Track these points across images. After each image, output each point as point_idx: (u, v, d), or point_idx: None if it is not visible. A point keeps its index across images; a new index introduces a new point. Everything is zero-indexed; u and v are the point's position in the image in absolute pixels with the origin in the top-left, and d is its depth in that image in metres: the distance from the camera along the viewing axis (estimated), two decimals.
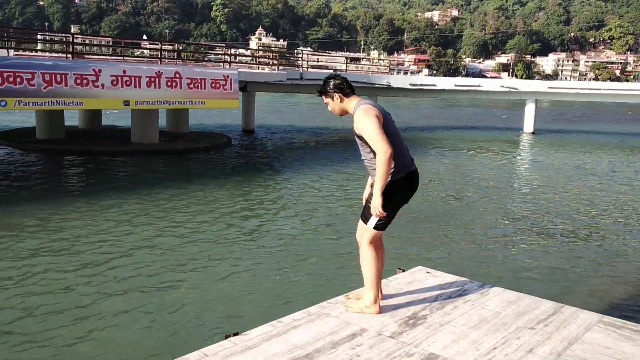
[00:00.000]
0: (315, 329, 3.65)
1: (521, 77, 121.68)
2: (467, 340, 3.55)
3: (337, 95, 3.78)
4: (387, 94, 30.63)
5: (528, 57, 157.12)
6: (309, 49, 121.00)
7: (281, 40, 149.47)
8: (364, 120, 3.58)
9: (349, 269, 7.86)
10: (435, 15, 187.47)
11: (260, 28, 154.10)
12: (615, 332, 3.72)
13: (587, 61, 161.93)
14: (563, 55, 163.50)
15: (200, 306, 6.51)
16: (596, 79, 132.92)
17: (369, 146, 3.64)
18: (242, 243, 9.07)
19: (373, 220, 3.75)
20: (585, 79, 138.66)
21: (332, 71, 38.25)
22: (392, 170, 3.63)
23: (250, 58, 32.40)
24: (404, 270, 4.90)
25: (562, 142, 27.22)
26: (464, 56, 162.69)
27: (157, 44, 24.68)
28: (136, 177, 14.35)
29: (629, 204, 13.21)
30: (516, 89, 30.03)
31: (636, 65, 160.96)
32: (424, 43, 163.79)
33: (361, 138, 3.67)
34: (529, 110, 29.63)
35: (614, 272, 8.04)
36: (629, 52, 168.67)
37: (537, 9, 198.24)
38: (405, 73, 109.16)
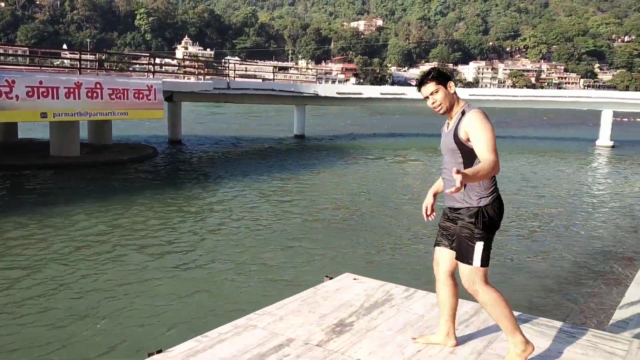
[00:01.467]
0: (242, 341, 3.60)
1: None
2: (393, 344, 3.60)
3: (451, 84, 3.25)
4: (315, 103, 30.89)
5: (450, 65, 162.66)
6: (236, 58, 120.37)
7: (208, 49, 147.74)
8: (485, 124, 3.10)
9: (274, 280, 7.83)
10: (360, 25, 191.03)
11: (186, 37, 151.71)
12: (531, 329, 3.88)
13: (505, 69, 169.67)
14: (483, 63, 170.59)
15: (121, 324, 6.28)
16: (514, 86, 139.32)
17: (463, 156, 3.18)
18: (165, 257, 8.84)
19: (478, 256, 3.16)
20: (504, 86, 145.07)
21: (260, 81, 38.17)
22: (485, 193, 3.18)
23: (177, 67, 31.78)
24: (331, 278, 4.92)
25: None
26: (390, 65, 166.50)
27: (77, 54, 23.72)
28: (53, 192, 13.73)
29: (537, 205, 13.87)
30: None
31: (550, 73, 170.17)
32: (351, 52, 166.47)
33: (461, 144, 3.17)
34: None
35: (531, 270, 8.41)
36: (542, 61, 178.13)
37: (457, 19, 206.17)
38: (333, 82, 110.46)
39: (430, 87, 3.26)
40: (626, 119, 47.21)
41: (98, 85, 17.39)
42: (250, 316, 4.03)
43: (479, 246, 3.15)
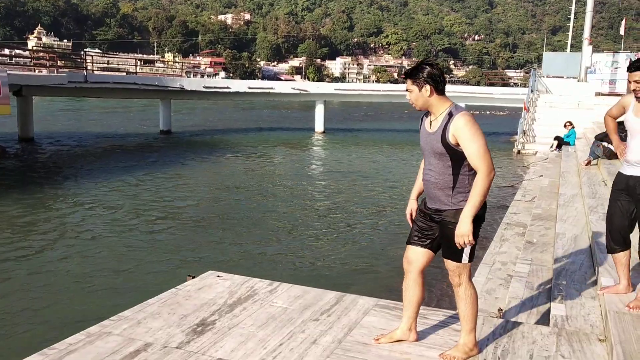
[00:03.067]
0: (95, 350, 3.39)
1: (313, 80, 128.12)
2: (255, 340, 3.58)
3: (427, 87, 3.14)
4: (181, 97, 30.06)
5: (318, 60, 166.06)
6: (97, 50, 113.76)
7: (65, 40, 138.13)
8: (475, 130, 3.04)
9: (135, 283, 7.51)
10: (228, 18, 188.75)
11: (39, 27, 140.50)
12: (389, 314, 4.05)
13: (370, 65, 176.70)
14: (349, 59, 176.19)
15: None
16: (378, 81, 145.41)
17: (452, 159, 3.14)
18: (7, 264, 8.12)
19: (466, 254, 3.18)
20: (368, 81, 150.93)
21: (124, 74, 36.39)
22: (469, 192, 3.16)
23: (29, 59, 29.38)
24: (194, 277, 4.79)
25: (348, 139, 29.22)
26: (259, 59, 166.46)
27: None
28: None
29: (400, 197, 14.62)
30: (306, 91, 31.52)
31: None
32: (219, 46, 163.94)
33: (449, 147, 3.11)
34: (319, 111, 31.31)
35: (385, 254, 8.81)
36: (404, 57, 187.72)
37: (324, 15, 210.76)
38: (202, 76, 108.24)
39: (407, 83, 3.23)
40: (477, 112, 51.05)
41: None
42: (105, 323, 3.81)
43: (469, 246, 3.17)
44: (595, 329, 4.01)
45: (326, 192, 14.61)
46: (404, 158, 22.38)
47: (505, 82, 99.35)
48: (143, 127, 31.40)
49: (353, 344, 3.55)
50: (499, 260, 6.44)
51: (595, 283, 4.87)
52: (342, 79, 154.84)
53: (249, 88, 30.68)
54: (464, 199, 3.14)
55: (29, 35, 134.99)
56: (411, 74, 3.19)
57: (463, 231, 3.06)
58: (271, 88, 31.29)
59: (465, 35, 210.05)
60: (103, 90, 25.29)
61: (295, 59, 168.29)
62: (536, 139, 21.51)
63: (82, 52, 33.49)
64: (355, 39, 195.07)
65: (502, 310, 4.81)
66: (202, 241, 9.57)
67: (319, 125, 31.29)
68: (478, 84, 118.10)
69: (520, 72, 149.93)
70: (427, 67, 3.15)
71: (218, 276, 4.80)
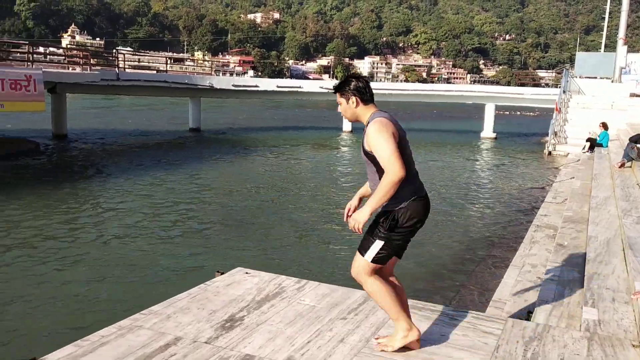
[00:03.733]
0: (126, 343, 3.45)
1: (341, 79, 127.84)
2: (283, 337, 3.60)
3: (354, 99, 3.31)
4: (211, 96, 30.35)
5: (346, 59, 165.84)
6: (129, 48, 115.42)
7: (98, 39, 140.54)
8: (378, 135, 3.13)
9: (164, 278, 7.61)
10: (258, 17, 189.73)
11: (73, 25, 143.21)
12: (416, 313, 4.02)
13: (398, 64, 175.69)
14: (377, 58, 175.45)
15: None
16: (406, 80, 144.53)
17: (375, 165, 3.23)
18: (43, 258, 8.30)
19: (372, 252, 3.26)
20: (397, 80, 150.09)
21: (154, 72, 36.87)
22: (397, 195, 3.16)
23: (64, 57, 29.96)
24: (222, 273, 4.83)
25: None
26: (287, 58, 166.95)
27: None
28: None
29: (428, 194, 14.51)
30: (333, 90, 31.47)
31: (439, 68, 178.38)
32: (248, 45, 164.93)
33: (369, 155, 3.24)
34: None
35: (416, 257, 8.75)
36: (433, 56, 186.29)
37: (352, 15, 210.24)
38: (231, 74, 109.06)
39: (337, 97, 3.41)
40: (507, 112, 50.38)
41: None
42: (136, 316, 3.87)
43: (377, 244, 3.24)
44: (629, 334, 3.92)
45: (352, 191, 14.58)
46: (431, 158, 22.22)
47: (536, 83, 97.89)
48: (172, 124, 31.78)
49: None
50: (529, 262, 6.35)
51: (628, 287, 4.77)
52: (370, 78, 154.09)
53: (277, 87, 30.82)
54: (392, 202, 3.19)
55: (63, 34, 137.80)
56: (339, 88, 3.38)
57: (357, 217, 3.14)
58: (299, 87, 31.38)
59: (496, 34, 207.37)
60: (134, 88, 25.67)
61: (324, 58, 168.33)
62: (568, 140, 21.14)
63: (114, 51, 34.02)
64: (384, 38, 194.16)
65: (531, 313, 4.74)
66: (230, 238, 9.66)
67: (347, 125, 31.25)
68: (508, 84, 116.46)
69: (552, 72, 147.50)
70: (353, 80, 3.35)
71: (246, 273, 4.83)
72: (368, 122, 3.26)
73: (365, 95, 3.32)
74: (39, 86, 17.99)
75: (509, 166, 21.33)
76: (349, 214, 3.46)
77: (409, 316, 3.42)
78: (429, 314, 4.03)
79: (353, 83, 3.33)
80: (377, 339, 3.56)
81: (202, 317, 3.88)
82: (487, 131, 31.77)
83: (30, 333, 5.84)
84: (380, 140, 3.12)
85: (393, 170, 3.04)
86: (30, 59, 20.88)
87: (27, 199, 12.21)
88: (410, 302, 4.28)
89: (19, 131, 24.07)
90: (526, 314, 4.72)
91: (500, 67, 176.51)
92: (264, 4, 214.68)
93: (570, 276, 5.59)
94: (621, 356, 3.45)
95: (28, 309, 6.42)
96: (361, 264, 3.30)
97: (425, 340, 3.58)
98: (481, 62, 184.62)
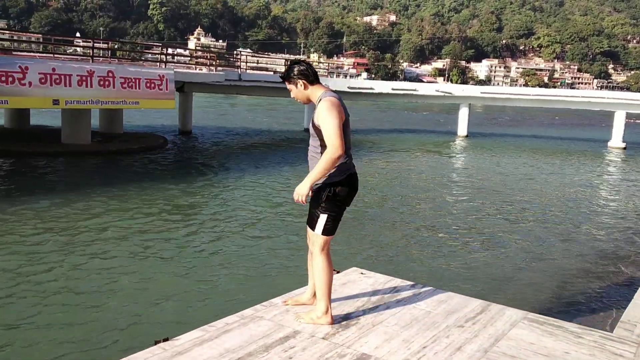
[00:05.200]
0: (248, 332, 3.61)
1: (456, 82, 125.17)
2: (399, 339, 3.60)
3: (300, 82, 3.62)
4: None
5: (463, 62, 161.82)
6: (248, 50, 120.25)
7: (220, 40, 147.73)
8: (327, 113, 3.45)
9: (284, 272, 7.85)
10: (374, 19, 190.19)
11: (199, 28, 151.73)
12: (538, 328, 3.87)
13: (518, 68, 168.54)
14: (495, 61, 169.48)
15: (129, 311, 6.33)
16: (526, 85, 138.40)
17: (320, 139, 3.55)
18: (174, 247, 8.88)
19: (320, 225, 3.61)
20: (516, 84, 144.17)
21: (271, 73, 38.19)
22: (334, 171, 3.54)
23: (189, 58, 31.82)
24: (338, 272, 4.92)
25: (493, 145, 28.17)
26: (402, 61, 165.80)
27: (90, 42, 23.82)
28: (65, 180, 13.82)
29: (549, 206, 13.79)
30: (450, 93, 30.87)
31: (563, 73, 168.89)
32: (363, 47, 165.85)
33: (317, 129, 3.55)
34: (463, 114, 30.53)
35: (537, 270, 8.37)
36: (556, 60, 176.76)
37: (471, 17, 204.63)
38: (345, 76, 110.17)
39: (287, 85, 3.69)
40: (639, 121, 46.74)
41: (110, 74, 17.44)
42: (257, 307, 4.04)
43: (322, 218, 3.59)
44: None
45: (467, 197, 14.23)
46: (554, 167, 21.13)
47: None
48: (288, 124, 32.69)
49: (500, 355, 3.44)
50: None
51: None
52: (487, 81, 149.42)
53: (392, 89, 30.72)
54: (330, 177, 3.54)
55: (190, 36, 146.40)
56: (285, 77, 3.66)
57: (298, 189, 3.47)
58: (414, 90, 31.07)
59: (629, 37, 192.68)
60: (254, 88, 26.71)
61: (439, 60, 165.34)
62: None
63: (235, 52, 35.61)
64: (504, 41, 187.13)
65: None
66: (346, 238, 9.77)
67: (462, 129, 30.51)
68: None
69: None
70: (296, 65, 3.63)
71: (361, 273, 4.88)
72: (320, 100, 3.54)
73: (310, 77, 3.60)
74: (171, 85, 19.26)
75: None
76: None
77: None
78: (551, 330, 3.85)
79: (296, 68, 3.61)
80: (285, 303, 3.98)
81: None
82: (616, 140, 29.66)
83: (161, 316, 6.28)
84: (328, 118, 3.43)
85: (334, 145, 3.38)
86: (163, 59, 22.38)
87: (161, 190, 13.13)
88: (531, 315, 4.13)
89: (148, 127, 25.90)
90: None
91: (633, 72, 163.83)
92: (380, 6, 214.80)
93: None
94: None
95: (158, 294, 6.91)
96: (314, 237, 3.65)
97: (547, 356, 3.44)
98: (610, 66, 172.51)
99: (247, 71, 29.13)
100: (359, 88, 30.48)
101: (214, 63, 24.94)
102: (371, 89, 30.34)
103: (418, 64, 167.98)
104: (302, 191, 3.47)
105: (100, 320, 6.06)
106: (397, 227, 10.76)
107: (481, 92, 32.20)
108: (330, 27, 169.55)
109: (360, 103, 51.41)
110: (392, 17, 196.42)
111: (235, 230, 10.08)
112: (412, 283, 4.71)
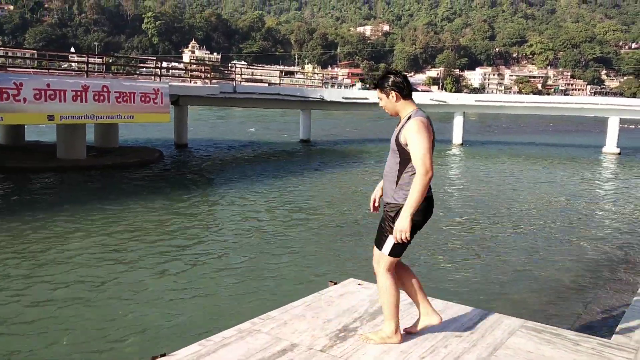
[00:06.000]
0: (246, 345, 3.60)
1: (450, 91, 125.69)
2: (397, 350, 3.60)
3: (393, 94, 3.52)
4: (321, 108, 30.91)
5: (457, 71, 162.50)
6: (243, 62, 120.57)
7: (215, 53, 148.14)
8: (418, 134, 3.34)
9: (279, 285, 7.83)
10: (367, 30, 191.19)
11: (193, 41, 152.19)
12: (536, 337, 3.87)
13: (512, 75, 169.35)
14: (489, 69, 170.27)
15: (126, 327, 6.29)
16: (520, 92, 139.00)
17: (401, 156, 3.45)
18: (170, 261, 8.85)
19: (388, 246, 3.49)
20: (510, 92, 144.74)
21: (266, 85, 38.26)
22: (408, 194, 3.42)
23: (184, 71, 31.88)
24: (335, 283, 4.91)
25: (488, 152, 28.25)
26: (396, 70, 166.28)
27: (84, 57, 23.85)
28: (60, 195, 13.78)
29: (545, 213, 13.82)
30: (445, 102, 31.00)
31: (556, 79, 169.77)
32: (357, 57, 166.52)
33: (400, 145, 3.44)
34: (458, 122, 30.64)
35: (534, 278, 8.36)
36: (549, 67, 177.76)
37: (464, 25, 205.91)
38: (340, 87, 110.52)
39: (377, 92, 3.60)
40: (632, 126, 46.98)
41: (105, 89, 17.47)
42: (254, 320, 4.03)
43: (391, 239, 3.45)
44: None
45: (463, 206, 14.25)
46: (548, 174, 21.19)
47: None
48: (284, 135, 32.73)
49: None
50: None
51: None
52: (481, 89, 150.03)
53: None
54: (404, 196, 3.43)
55: (184, 49, 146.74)
56: (378, 84, 3.56)
57: (399, 226, 3.35)
58: None
59: (621, 43, 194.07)
60: (249, 100, 26.75)
61: (433, 69, 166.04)
62: None
63: (229, 65, 35.67)
64: (497, 49, 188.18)
65: None
66: (343, 249, 9.76)
67: (457, 137, 30.61)
68: (634, 95, 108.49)
69: None
70: (391, 76, 3.53)
71: (359, 284, 4.88)
72: (409, 117, 3.45)
73: (404, 91, 3.50)
74: (166, 99, 19.29)
75: (637, 185, 19.86)
76: (375, 205, 3.77)
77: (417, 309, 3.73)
78: (549, 337, 3.86)
79: (391, 79, 3.51)
80: (365, 335, 3.74)
81: (316, 325, 3.97)
82: (610, 146, 29.77)
83: (158, 331, 6.25)
84: (419, 139, 3.33)
85: (425, 167, 3.29)
86: (158, 73, 22.42)
87: (158, 204, 13.09)
88: (530, 323, 4.13)
89: (144, 141, 25.89)
90: None
91: (625, 78, 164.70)
92: (373, 16, 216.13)
93: None
94: None
95: (155, 308, 6.88)
96: (380, 257, 3.56)
97: None
98: (603, 72, 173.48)
99: (242, 83, 29.19)
100: (354, 98, 30.56)
101: (208, 76, 24.99)
102: (365, 98, 30.40)
103: (412, 73, 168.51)
104: (403, 227, 3.34)
105: (96, 335, 6.02)
106: None
107: (475, 100, 32.33)
108: (324, 38, 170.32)
109: (355, 113, 51.55)
110: (386, 27, 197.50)
111: (233, 243, 10.06)
112: None
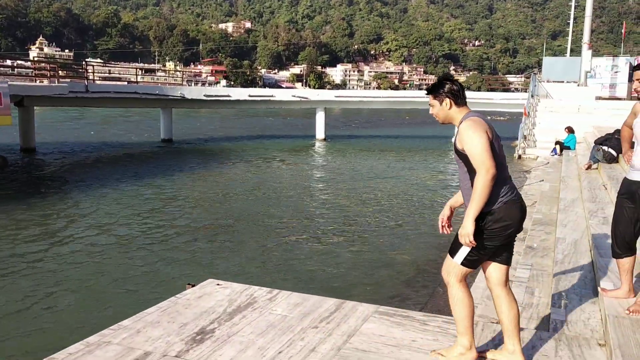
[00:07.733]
0: None
1: (314, 87, 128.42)
2: (254, 348, 3.58)
3: (447, 101, 3.29)
4: (182, 106, 30.14)
5: (319, 67, 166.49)
6: (99, 60, 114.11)
7: (67, 50, 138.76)
8: (470, 133, 3.11)
9: (134, 292, 7.50)
10: (229, 27, 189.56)
11: (41, 37, 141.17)
12: (388, 320, 4.04)
13: (370, 71, 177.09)
14: (349, 66, 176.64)
15: None
16: (379, 87, 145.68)
17: (466, 165, 3.19)
18: (11, 274, 8.13)
19: (461, 255, 3.21)
20: (370, 87, 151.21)
21: (125, 83, 36.55)
22: (495, 199, 3.12)
23: (31, 70, 29.46)
24: (193, 285, 4.79)
25: (349, 146, 29.25)
26: (260, 67, 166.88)
27: None
28: None
29: (401, 202, 14.62)
30: (307, 98, 31.58)
31: (411, 75, 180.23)
32: (220, 54, 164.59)
33: (461, 154, 3.20)
34: (320, 118, 31.37)
35: (389, 265, 8.79)
36: (404, 63, 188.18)
37: (324, 23, 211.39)
38: (203, 84, 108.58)
39: (430, 99, 3.37)
40: (501, 118, 50.47)
41: None
42: (104, 332, 3.81)
43: (465, 247, 3.18)
44: (595, 334, 3.99)
45: (326, 199, 14.62)
46: (405, 165, 22.39)
47: (506, 88, 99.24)
48: (145, 135, 31.47)
49: (352, 351, 3.55)
50: None
51: (595, 288, 4.86)
52: (343, 85, 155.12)
53: (250, 96, 30.75)
54: (486, 204, 3.14)
55: (31, 46, 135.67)
56: (432, 90, 3.34)
57: (463, 230, 3.10)
58: (272, 96, 31.36)
59: (466, 41, 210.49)
60: (104, 100, 25.36)
61: (296, 66, 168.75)
62: (537, 143, 21.51)
63: (83, 62, 33.56)
64: (356, 46, 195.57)
65: None
66: (202, 250, 9.57)
67: (320, 133, 31.34)
68: (479, 89, 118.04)
69: (521, 77, 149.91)
70: (448, 82, 3.30)
71: (218, 284, 4.80)
72: (461, 122, 3.24)
73: (459, 98, 3.30)
74: (5, 100, 17.66)
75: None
76: (443, 225, 3.46)
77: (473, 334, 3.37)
78: (399, 320, 4.04)
79: (447, 85, 3.30)
80: (437, 352, 3.47)
81: (172, 330, 3.84)
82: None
83: None
84: (472, 137, 3.10)
85: (484, 165, 3.03)
86: None
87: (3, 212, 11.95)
88: (382, 308, 4.31)
89: None
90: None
91: (471, 73, 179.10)
92: (235, 13, 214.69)
93: (539, 278, 5.68)
94: (588, 355, 3.51)
95: None
96: (451, 266, 3.28)
97: (396, 346, 3.60)
98: (452, 68, 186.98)
99: (97, 82, 27.60)
100: (216, 96, 30.12)
101: (55, 74, 23.29)
102: (228, 96, 30.11)
103: (276, 70, 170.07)
104: (467, 231, 3.08)
105: None
106: (256, 234, 10.73)
107: (335, 96, 33.31)
108: (185, 34, 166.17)
109: (221, 111, 50.93)
110: (248, 24, 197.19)
111: (87, 249, 9.45)
112: (268, 289, 4.71)
